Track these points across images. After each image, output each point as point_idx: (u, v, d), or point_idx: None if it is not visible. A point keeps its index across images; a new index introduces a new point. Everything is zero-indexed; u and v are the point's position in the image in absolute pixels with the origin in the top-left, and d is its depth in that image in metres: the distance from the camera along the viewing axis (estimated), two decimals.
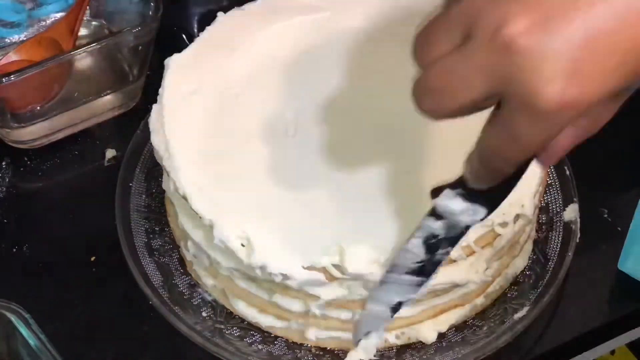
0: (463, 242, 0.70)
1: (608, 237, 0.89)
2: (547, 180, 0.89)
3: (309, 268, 0.72)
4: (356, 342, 0.73)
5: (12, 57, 0.96)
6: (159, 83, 0.84)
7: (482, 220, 0.64)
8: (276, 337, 0.80)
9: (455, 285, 0.76)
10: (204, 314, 0.82)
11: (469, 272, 0.75)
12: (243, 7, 0.89)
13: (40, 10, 1.05)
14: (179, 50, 0.86)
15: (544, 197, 0.88)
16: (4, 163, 0.95)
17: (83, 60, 0.98)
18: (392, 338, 0.79)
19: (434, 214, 0.65)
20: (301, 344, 0.80)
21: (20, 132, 0.95)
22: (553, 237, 0.86)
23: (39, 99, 0.95)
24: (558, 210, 0.88)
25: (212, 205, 0.74)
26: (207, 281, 0.82)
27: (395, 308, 0.70)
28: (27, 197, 0.93)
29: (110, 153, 0.96)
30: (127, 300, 0.84)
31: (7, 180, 0.94)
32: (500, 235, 0.75)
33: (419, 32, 0.57)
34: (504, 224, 0.75)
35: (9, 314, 0.74)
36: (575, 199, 0.88)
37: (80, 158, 0.96)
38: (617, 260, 0.86)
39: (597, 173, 0.94)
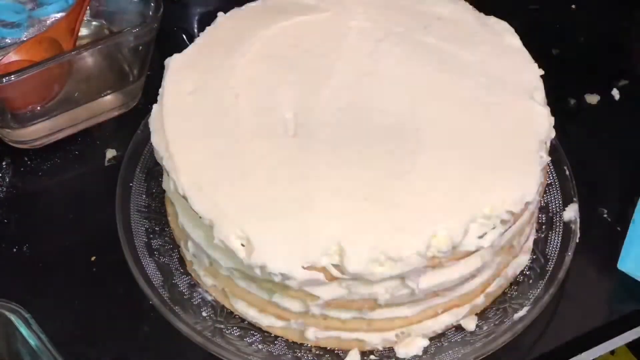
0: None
1: (608, 237, 0.89)
2: (547, 181, 0.89)
3: (309, 268, 0.71)
4: None
5: (13, 57, 0.96)
6: (159, 83, 0.83)
7: None
8: (276, 337, 0.80)
9: (465, 280, 0.76)
10: (204, 314, 0.82)
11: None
12: (243, 7, 0.89)
13: (41, 11, 1.05)
14: (179, 50, 0.86)
15: (543, 196, 0.89)
16: (4, 163, 0.95)
17: (83, 61, 0.98)
18: (392, 337, 0.79)
19: None
20: (301, 344, 0.80)
21: (21, 132, 0.95)
22: (553, 237, 0.86)
23: (39, 99, 0.96)
24: (558, 210, 0.88)
25: (212, 205, 0.74)
26: (207, 281, 0.82)
27: None
28: (27, 197, 0.93)
29: (110, 153, 0.96)
30: (127, 300, 0.84)
31: (7, 180, 0.94)
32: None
33: None
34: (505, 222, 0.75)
35: (9, 314, 0.74)
36: (574, 199, 0.88)
37: (80, 158, 0.96)
38: (617, 260, 0.86)
39: (596, 173, 0.94)
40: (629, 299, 0.86)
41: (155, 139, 0.80)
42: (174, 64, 0.84)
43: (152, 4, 0.95)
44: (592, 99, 1.02)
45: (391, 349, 0.79)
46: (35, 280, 0.86)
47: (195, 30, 1.08)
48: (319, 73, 0.83)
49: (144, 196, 0.89)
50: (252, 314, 0.80)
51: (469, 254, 0.74)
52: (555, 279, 0.82)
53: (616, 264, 0.86)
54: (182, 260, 0.85)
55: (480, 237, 0.74)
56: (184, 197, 0.76)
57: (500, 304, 0.82)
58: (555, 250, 0.85)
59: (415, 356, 0.79)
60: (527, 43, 0.86)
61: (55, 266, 0.87)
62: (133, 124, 0.94)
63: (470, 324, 0.80)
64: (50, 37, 0.97)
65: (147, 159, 0.91)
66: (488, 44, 0.85)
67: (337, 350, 0.80)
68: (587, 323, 0.84)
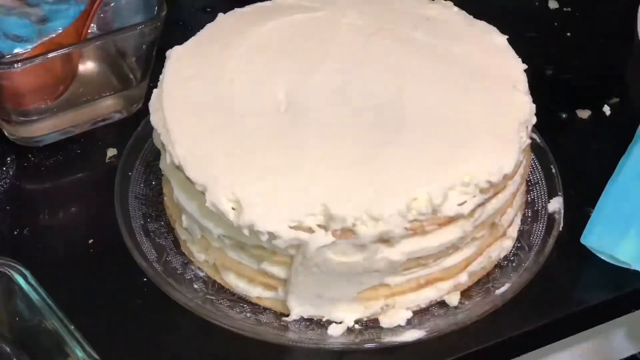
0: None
1: None
2: (534, 179, 0.92)
3: (295, 227, 0.74)
4: None
5: None
6: None
7: None
8: (265, 309, 0.83)
9: (446, 250, 0.79)
10: (195, 287, 0.84)
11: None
12: (243, 7, 0.94)
13: (48, 26, 1.09)
14: None
15: (530, 193, 0.92)
16: (8, 159, 0.98)
17: (87, 64, 1.02)
18: (377, 308, 0.81)
19: None
20: (288, 315, 0.82)
21: (25, 130, 0.98)
22: (537, 227, 0.89)
23: (44, 98, 0.99)
24: (543, 205, 0.91)
25: (204, 172, 0.78)
26: (200, 257, 0.85)
27: None
28: (29, 190, 0.96)
29: (111, 152, 0.99)
30: (122, 278, 0.86)
31: (10, 173, 0.97)
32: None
33: None
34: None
35: (6, 269, 0.76)
36: (559, 193, 0.91)
37: (82, 156, 0.99)
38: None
39: (582, 172, 0.97)
40: (609, 289, 0.88)
41: (154, 118, 0.84)
42: (175, 54, 0.89)
43: (156, 5, 0.98)
44: (584, 114, 1.05)
45: (376, 320, 0.82)
46: (35, 259, 0.88)
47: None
48: (311, 60, 0.87)
49: (142, 185, 0.92)
50: (242, 285, 0.82)
51: (449, 220, 0.77)
52: (537, 261, 0.85)
53: (601, 260, 0.88)
54: (176, 242, 0.88)
55: (460, 204, 0.77)
56: (179, 167, 0.79)
57: (483, 284, 0.85)
58: (539, 238, 0.88)
59: (399, 326, 0.81)
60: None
61: (54, 248, 0.90)
62: (135, 127, 0.97)
63: (454, 300, 0.83)
64: (58, 42, 1.01)
65: (147, 154, 0.94)
66: (475, 41, 0.90)
67: (324, 321, 0.82)
68: (562, 309, 0.86)
